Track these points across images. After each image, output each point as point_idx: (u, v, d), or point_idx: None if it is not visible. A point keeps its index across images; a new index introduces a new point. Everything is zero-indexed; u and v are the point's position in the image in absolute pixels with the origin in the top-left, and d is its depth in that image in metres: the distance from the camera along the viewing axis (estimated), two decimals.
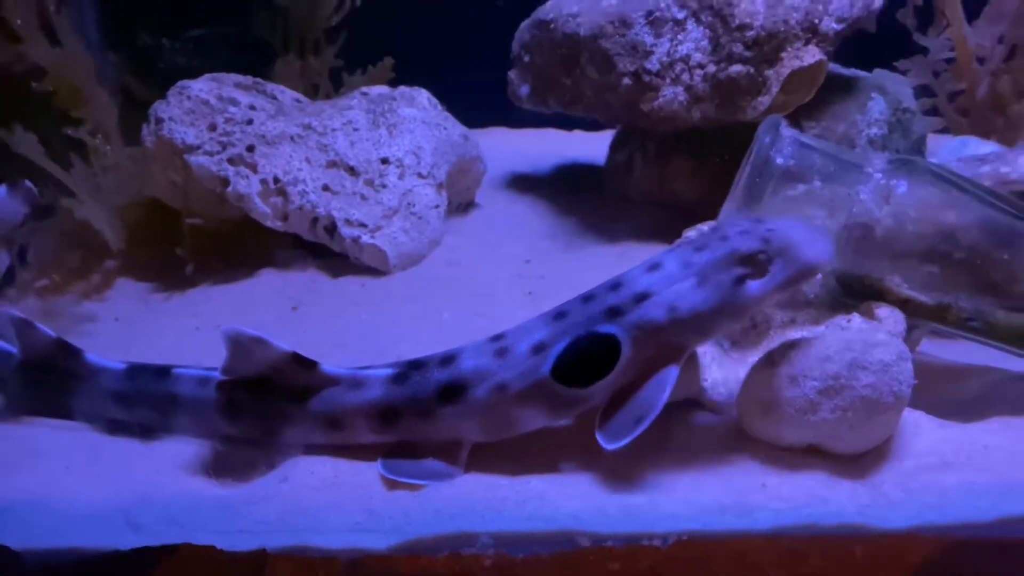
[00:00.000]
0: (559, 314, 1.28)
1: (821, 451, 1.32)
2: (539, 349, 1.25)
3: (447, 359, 1.29)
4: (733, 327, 1.31)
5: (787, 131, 1.37)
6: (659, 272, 1.25)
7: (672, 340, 1.24)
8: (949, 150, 1.85)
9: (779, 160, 1.34)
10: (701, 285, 1.22)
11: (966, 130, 2.13)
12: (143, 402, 1.40)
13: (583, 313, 1.26)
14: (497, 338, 1.30)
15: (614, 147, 2.30)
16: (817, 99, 1.90)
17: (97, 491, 1.30)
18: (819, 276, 1.48)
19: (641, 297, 1.24)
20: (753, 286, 1.22)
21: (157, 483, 1.32)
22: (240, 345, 1.29)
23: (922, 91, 2.21)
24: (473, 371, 1.27)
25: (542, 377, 1.24)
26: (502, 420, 1.27)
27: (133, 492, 1.30)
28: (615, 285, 1.27)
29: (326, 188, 1.89)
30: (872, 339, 1.28)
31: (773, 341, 1.42)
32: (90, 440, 1.43)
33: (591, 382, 1.24)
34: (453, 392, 1.27)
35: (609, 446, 1.20)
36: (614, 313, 1.24)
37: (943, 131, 2.23)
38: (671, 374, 1.22)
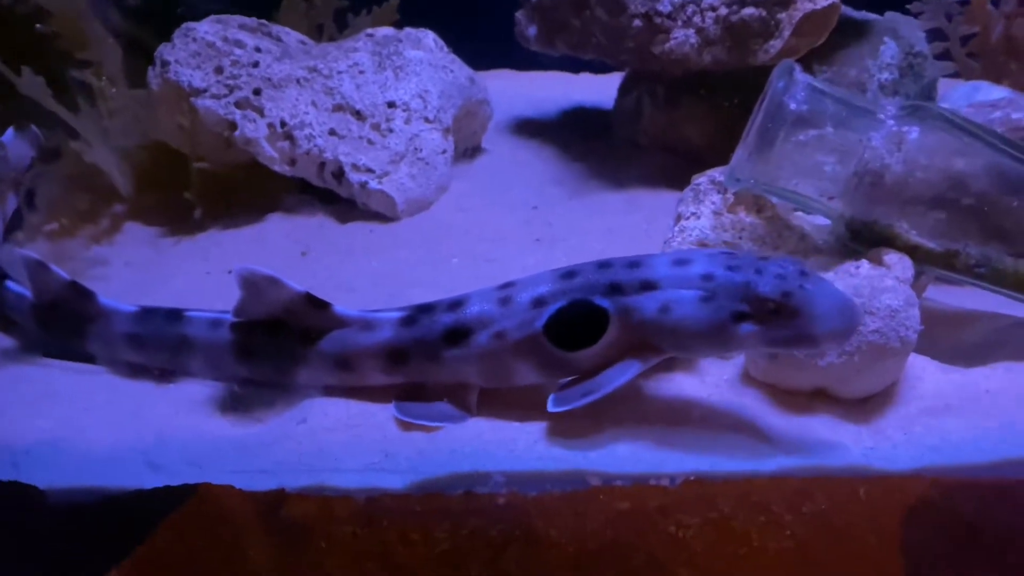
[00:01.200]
0: (569, 273, 1.28)
1: (827, 395, 1.34)
2: (539, 303, 1.26)
3: (455, 304, 1.31)
4: (714, 355, 1.27)
5: (801, 76, 1.36)
6: (681, 269, 1.22)
7: (651, 338, 1.22)
8: (960, 95, 1.83)
9: (792, 105, 1.33)
10: (704, 302, 1.18)
11: (978, 74, 2.10)
12: (156, 345, 1.42)
13: (590, 279, 1.25)
14: (505, 286, 1.31)
15: (622, 91, 2.28)
16: (829, 43, 1.88)
17: (116, 432, 1.32)
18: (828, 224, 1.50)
19: (647, 285, 1.22)
20: (745, 329, 1.17)
21: (175, 424, 1.35)
22: (254, 285, 1.30)
23: (934, 35, 2.18)
24: (477, 316, 1.28)
25: (535, 331, 1.25)
26: (500, 368, 1.28)
27: (152, 433, 1.32)
28: (634, 263, 1.25)
29: (332, 132, 1.88)
30: (880, 285, 1.30)
31: None
32: (107, 382, 1.45)
33: (577, 348, 1.24)
34: (458, 335, 1.28)
35: (552, 408, 1.23)
36: (615, 289, 1.23)
37: (955, 76, 2.21)
38: (633, 368, 1.22)
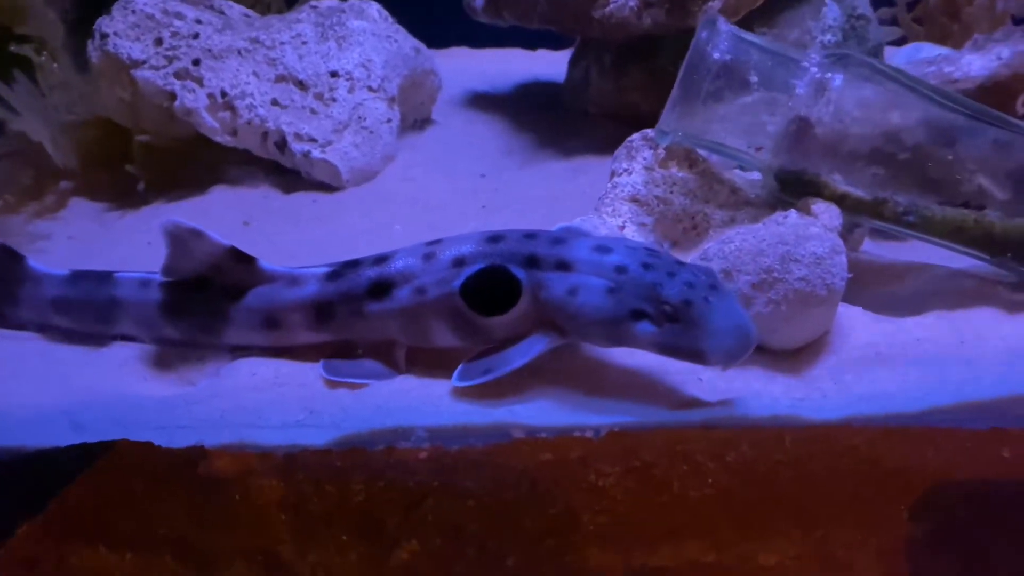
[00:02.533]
0: (495, 237, 1.27)
1: (758, 347, 1.34)
2: (459, 263, 1.25)
3: (380, 258, 1.30)
4: (607, 345, 1.25)
5: (724, 26, 1.35)
6: (598, 256, 1.21)
7: (555, 318, 1.22)
8: (903, 56, 1.83)
9: (716, 55, 1.33)
10: (609, 293, 1.18)
11: (922, 38, 2.10)
12: (85, 307, 1.40)
13: (513, 247, 1.24)
14: (432, 243, 1.30)
15: (572, 62, 2.27)
16: (770, 4, 1.87)
17: (43, 396, 1.32)
18: (758, 178, 1.49)
19: (562, 265, 1.21)
20: (641, 328, 1.17)
21: (102, 387, 1.34)
22: (179, 239, 1.30)
23: (882, 1, 2.17)
24: (401, 271, 1.28)
25: (452, 291, 1.24)
26: (419, 325, 1.28)
27: (78, 396, 1.31)
28: (558, 240, 1.24)
29: (275, 102, 1.87)
30: (805, 232, 1.29)
31: (712, 240, 1.42)
32: (35, 348, 1.45)
33: (489, 314, 1.23)
34: (381, 289, 1.28)
35: (455, 382, 1.22)
36: (532, 262, 1.23)
37: (901, 41, 2.21)
38: (538, 346, 1.21)
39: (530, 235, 1.26)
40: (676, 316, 1.14)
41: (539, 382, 1.27)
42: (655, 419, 1.22)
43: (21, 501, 1.13)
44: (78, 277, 1.42)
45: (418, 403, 1.26)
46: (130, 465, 1.16)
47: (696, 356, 1.16)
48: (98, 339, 1.44)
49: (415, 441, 1.20)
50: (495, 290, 1.22)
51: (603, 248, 1.22)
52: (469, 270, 1.23)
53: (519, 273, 1.22)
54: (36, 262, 1.45)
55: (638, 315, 1.16)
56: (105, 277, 1.40)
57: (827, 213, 1.35)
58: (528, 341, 1.22)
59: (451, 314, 1.25)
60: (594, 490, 1.14)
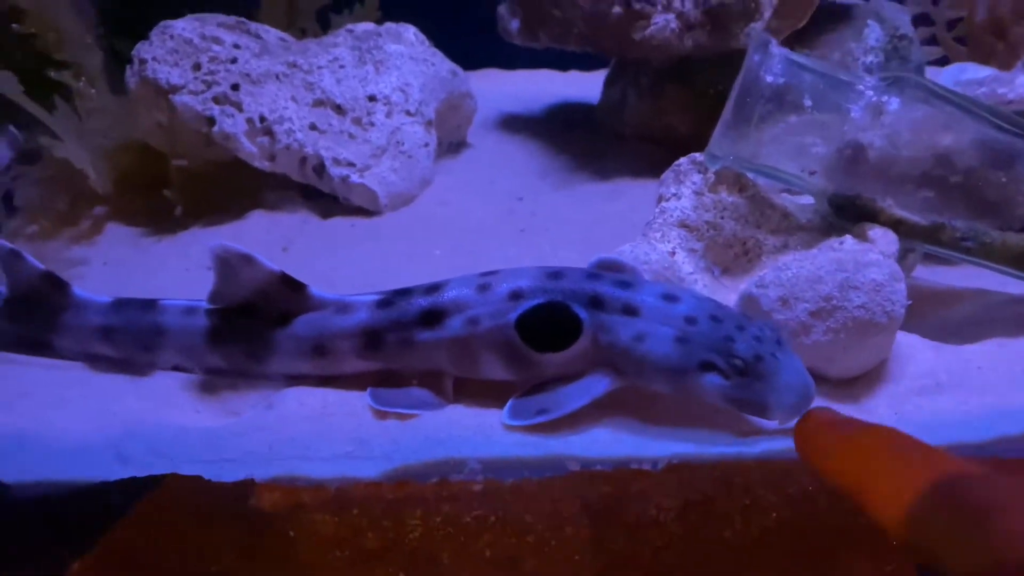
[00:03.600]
0: (555, 274, 1.25)
1: (815, 375, 1.31)
2: (516, 296, 1.23)
3: (433, 287, 1.29)
4: (670, 392, 1.22)
5: (776, 49, 1.33)
6: (666, 305, 1.20)
7: (617, 362, 1.20)
8: (947, 76, 1.81)
9: (768, 78, 1.31)
10: (677, 343, 1.17)
11: (964, 58, 2.08)
12: (129, 335, 1.39)
13: (575, 286, 1.23)
14: (487, 274, 1.29)
15: (608, 82, 2.26)
16: (812, 26, 1.85)
17: (86, 425, 1.30)
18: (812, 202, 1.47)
19: (628, 310, 1.20)
20: (710, 380, 1.16)
21: (146, 417, 1.32)
22: (228, 263, 1.28)
23: (920, 20, 2.15)
24: (454, 300, 1.26)
25: (507, 323, 1.22)
26: (469, 356, 1.26)
27: (121, 426, 1.29)
28: (624, 283, 1.23)
29: (313, 127, 1.86)
30: (864, 259, 1.26)
31: (764, 267, 1.40)
32: (80, 377, 1.43)
33: (545, 350, 1.21)
34: (433, 318, 1.26)
35: (506, 419, 1.21)
36: (596, 303, 1.21)
37: (942, 60, 2.18)
38: (600, 386, 1.20)
39: (593, 275, 1.25)
40: (746, 371, 1.14)
41: (593, 410, 1.24)
42: (712, 449, 1.20)
43: (72, 537, 1.11)
44: (122, 304, 1.40)
45: (469, 433, 1.23)
46: (180, 500, 1.14)
47: (761, 410, 1.16)
48: (143, 368, 1.42)
49: (468, 474, 1.17)
50: (554, 327, 1.20)
51: (671, 297, 1.21)
52: (527, 304, 1.22)
53: (581, 313, 1.20)
54: (80, 290, 1.43)
55: (707, 367, 1.16)
56: (149, 304, 1.39)
57: (884, 239, 1.32)
58: (586, 381, 1.20)
59: (504, 347, 1.23)
60: (656, 525, 1.12)
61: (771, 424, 1.21)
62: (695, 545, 1.12)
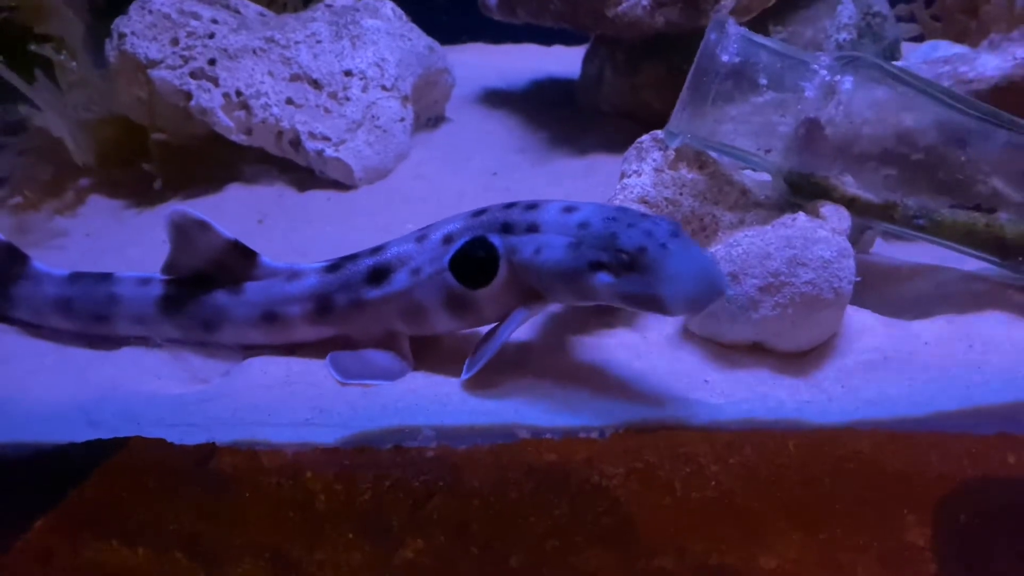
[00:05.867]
0: (479, 211, 1.29)
1: (765, 349, 1.34)
2: (448, 240, 1.28)
3: (377, 248, 1.33)
4: (573, 302, 1.24)
5: (733, 28, 1.35)
6: (565, 216, 1.22)
7: (529, 280, 1.23)
8: (919, 54, 1.82)
9: (724, 57, 1.33)
10: (570, 248, 1.18)
11: (939, 35, 2.08)
12: (84, 306, 1.41)
13: (492, 217, 1.27)
14: (424, 228, 1.33)
15: (586, 59, 2.27)
16: (785, 3, 1.86)
17: (59, 392, 1.34)
18: (767, 179, 1.49)
19: (531, 227, 1.23)
20: (600, 279, 1.16)
21: (119, 385, 1.36)
22: (183, 230, 1.31)
23: None
24: (397, 255, 1.30)
25: (442, 267, 1.26)
26: (417, 309, 1.29)
27: (94, 393, 1.34)
28: (531, 206, 1.26)
29: (289, 101, 1.89)
30: (813, 236, 1.28)
31: (721, 243, 1.42)
32: (56, 346, 1.47)
33: (477, 286, 1.25)
34: (379, 275, 1.30)
35: (463, 376, 1.25)
36: (506, 228, 1.25)
37: (919, 38, 2.18)
38: (518, 316, 1.23)
39: (508, 204, 1.28)
40: (633, 264, 1.13)
41: (547, 380, 1.28)
42: (659, 419, 1.23)
43: (38, 495, 1.16)
44: (77, 277, 1.43)
45: (426, 402, 1.27)
46: (143, 461, 1.19)
47: (655, 304, 1.12)
48: (100, 339, 1.44)
49: (422, 440, 1.21)
50: (478, 262, 1.24)
51: (570, 208, 1.23)
52: (456, 245, 1.26)
53: (496, 240, 1.24)
54: (39, 263, 1.46)
55: (596, 266, 1.16)
56: (104, 277, 1.42)
57: (836, 216, 1.35)
58: (511, 317, 1.24)
59: (445, 293, 1.27)
60: (599, 491, 1.15)
61: (675, 321, 1.21)
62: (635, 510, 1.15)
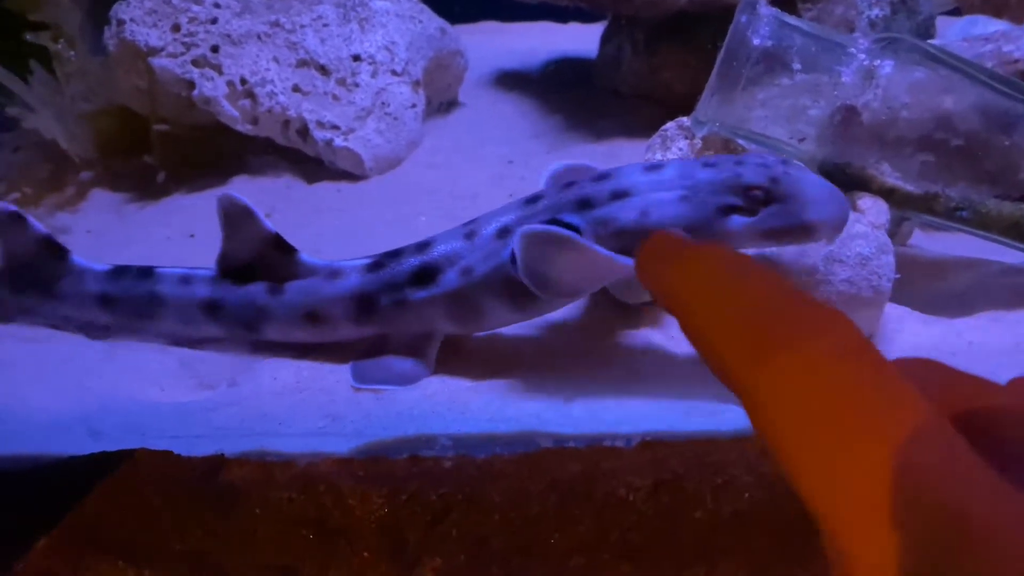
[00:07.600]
0: (532, 199, 1.21)
1: None
2: (504, 233, 1.19)
3: (422, 245, 1.26)
4: None
5: (765, 9, 1.27)
6: (654, 175, 1.14)
7: (633, 245, 1.14)
8: (957, 30, 1.72)
9: (756, 40, 1.25)
10: (684, 201, 1.10)
11: (976, 9, 1.98)
12: (126, 303, 1.36)
13: (556, 199, 1.18)
14: (470, 223, 1.25)
15: (604, 39, 2.18)
16: None
17: (60, 401, 1.29)
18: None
19: (619, 194, 1.14)
20: (736, 221, 1.09)
21: (121, 392, 1.31)
22: (231, 218, 1.25)
23: None
24: (444, 254, 1.22)
25: (503, 262, 1.17)
26: (469, 307, 1.22)
27: (95, 402, 1.29)
28: (602, 176, 1.17)
29: (296, 89, 1.82)
30: (850, 231, 1.21)
31: None
32: (59, 351, 1.42)
33: None
34: (426, 275, 1.23)
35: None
36: (584, 204, 1.15)
37: (954, 12, 2.09)
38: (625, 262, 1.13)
39: (569, 184, 1.19)
40: (769, 198, 1.07)
41: (570, 385, 1.22)
42: (686, 427, 1.17)
43: (39, 513, 1.11)
44: (119, 272, 1.38)
45: (443, 408, 1.21)
46: (149, 475, 1.14)
47: (805, 232, 1.08)
48: (130, 334, 1.39)
49: (439, 450, 1.16)
50: None
51: (654, 167, 1.14)
52: (517, 235, 1.14)
53: (573, 219, 1.14)
54: (79, 257, 1.41)
55: (727, 210, 1.09)
56: (146, 273, 1.36)
57: (874, 209, 1.27)
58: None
59: (505, 285, 1.18)
60: (625, 504, 1.10)
61: (824, 249, 1.15)
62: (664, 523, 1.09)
